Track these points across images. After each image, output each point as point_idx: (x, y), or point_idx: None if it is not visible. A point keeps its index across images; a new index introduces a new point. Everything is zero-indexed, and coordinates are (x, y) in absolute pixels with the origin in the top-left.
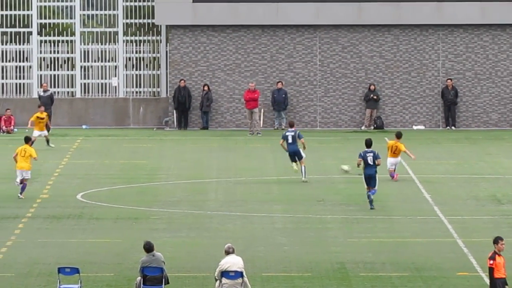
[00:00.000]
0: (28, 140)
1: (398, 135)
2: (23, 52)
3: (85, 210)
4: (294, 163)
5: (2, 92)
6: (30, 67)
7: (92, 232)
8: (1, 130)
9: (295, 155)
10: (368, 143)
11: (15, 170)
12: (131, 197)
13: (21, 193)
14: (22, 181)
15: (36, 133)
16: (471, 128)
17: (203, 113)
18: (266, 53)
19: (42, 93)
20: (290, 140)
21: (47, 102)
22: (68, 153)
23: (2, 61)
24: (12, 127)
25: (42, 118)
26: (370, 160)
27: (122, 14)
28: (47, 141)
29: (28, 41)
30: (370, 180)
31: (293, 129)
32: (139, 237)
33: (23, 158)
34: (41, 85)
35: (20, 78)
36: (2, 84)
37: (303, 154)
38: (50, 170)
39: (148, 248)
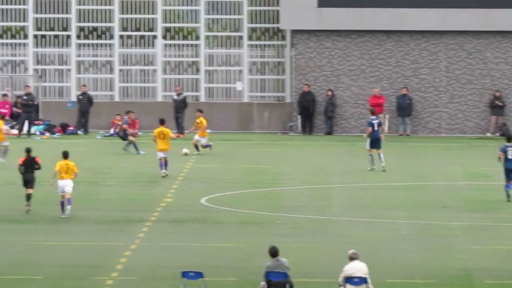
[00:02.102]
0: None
1: None
2: (148, 56)
3: (209, 215)
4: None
5: (126, 95)
6: (155, 71)
7: (216, 236)
8: (118, 133)
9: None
10: (509, 138)
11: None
12: (255, 202)
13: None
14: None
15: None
16: None
17: (327, 118)
18: (391, 59)
19: (175, 97)
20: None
21: (180, 105)
22: (193, 157)
23: (127, 65)
24: (136, 130)
25: (198, 123)
26: (510, 154)
27: (247, 18)
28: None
29: (153, 45)
30: (510, 173)
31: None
32: (263, 241)
33: (163, 141)
34: (175, 89)
35: (144, 82)
36: (127, 87)
37: None
38: (175, 174)
39: (273, 253)
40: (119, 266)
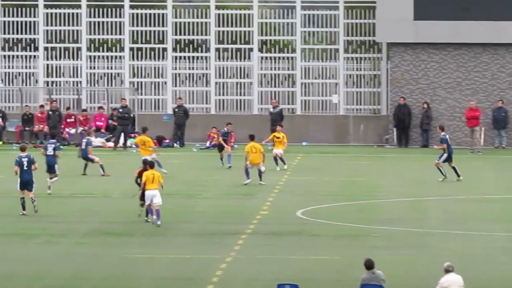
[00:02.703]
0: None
1: None
2: (244, 68)
3: (305, 227)
4: None
5: (222, 108)
6: (251, 83)
7: (312, 249)
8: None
9: None
10: None
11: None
12: (351, 214)
13: None
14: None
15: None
16: None
17: (423, 131)
18: (487, 72)
19: (271, 109)
20: None
21: (276, 118)
22: (288, 170)
23: (223, 78)
24: (232, 143)
25: (278, 137)
26: None
27: (343, 31)
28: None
29: (249, 58)
30: None
31: None
32: (358, 254)
33: (255, 155)
34: (271, 102)
35: (240, 95)
36: (223, 100)
37: None
38: (270, 187)
39: (369, 265)
40: (215, 278)
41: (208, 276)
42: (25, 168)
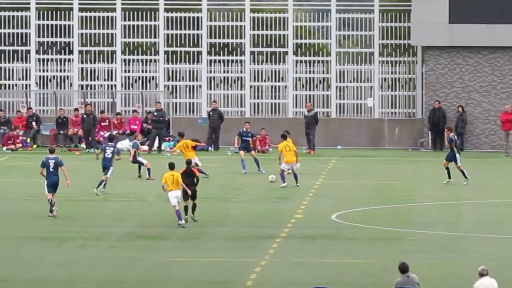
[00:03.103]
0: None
1: None
2: (279, 72)
3: (339, 231)
4: None
5: (257, 112)
6: (286, 87)
7: (346, 252)
8: (256, 150)
9: None
10: None
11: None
12: (386, 218)
13: None
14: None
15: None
16: None
17: (458, 134)
18: None
19: (306, 113)
20: None
21: (311, 121)
22: (323, 173)
23: (258, 81)
24: (267, 146)
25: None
26: None
27: (378, 35)
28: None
29: (284, 61)
30: None
31: None
32: (393, 258)
33: (289, 153)
34: (306, 105)
35: (275, 98)
36: (258, 103)
37: None
38: (305, 190)
39: (403, 269)
40: (249, 282)
41: (242, 280)
42: (51, 169)
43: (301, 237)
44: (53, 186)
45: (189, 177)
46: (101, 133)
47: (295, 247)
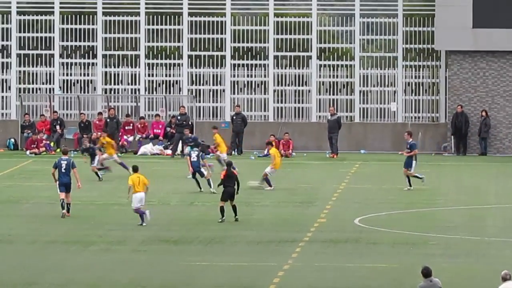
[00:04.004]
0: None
1: None
2: (302, 76)
3: (362, 235)
4: None
5: (281, 116)
6: (309, 91)
7: (369, 257)
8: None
9: None
10: None
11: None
12: (409, 222)
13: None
14: None
15: None
16: None
17: (481, 139)
18: None
19: (329, 117)
20: None
21: (333, 126)
22: (346, 178)
23: (281, 85)
24: (290, 151)
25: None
26: None
27: (402, 39)
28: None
29: (308, 65)
30: None
31: None
32: (416, 262)
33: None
34: (329, 109)
35: (298, 102)
36: (281, 108)
37: None
38: (328, 194)
39: (426, 273)
40: (272, 286)
41: (265, 284)
42: (62, 170)
43: (324, 241)
44: (65, 186)
45: (230, 179)
46: (125, 137)
47: (318, 251)
